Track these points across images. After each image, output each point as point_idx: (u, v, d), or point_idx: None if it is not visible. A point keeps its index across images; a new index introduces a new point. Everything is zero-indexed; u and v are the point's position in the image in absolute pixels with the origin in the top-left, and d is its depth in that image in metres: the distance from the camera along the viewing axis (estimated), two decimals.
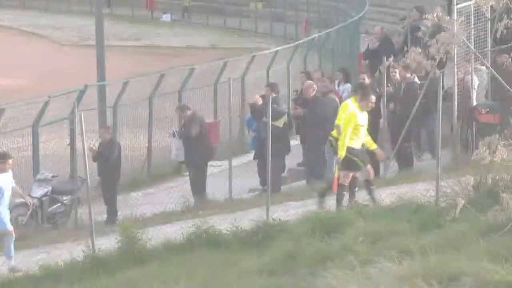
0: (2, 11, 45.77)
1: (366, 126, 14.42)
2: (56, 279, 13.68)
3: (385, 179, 16.87)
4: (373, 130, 16.92)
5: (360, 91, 14.95)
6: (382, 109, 17.67)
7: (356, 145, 14.15)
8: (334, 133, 14.19)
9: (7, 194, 14.66)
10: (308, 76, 19.78)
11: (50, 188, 17.95)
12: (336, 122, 14.19)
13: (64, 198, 18.05)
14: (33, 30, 42.69)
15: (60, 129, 19.61)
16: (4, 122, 18.31)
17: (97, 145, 17.75)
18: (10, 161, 14.96)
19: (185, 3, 43.35)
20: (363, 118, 14.10)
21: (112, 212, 17.82)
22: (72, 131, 17.77)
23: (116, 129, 20.06)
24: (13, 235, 14.65)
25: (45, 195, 17.82)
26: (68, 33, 41.52)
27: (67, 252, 14.58)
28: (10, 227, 14.72)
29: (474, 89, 17.49)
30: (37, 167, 18.71)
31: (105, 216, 17.64)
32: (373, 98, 14.68)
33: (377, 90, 17.67)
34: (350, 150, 14.05)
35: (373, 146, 15.04)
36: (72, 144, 18.16)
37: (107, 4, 37.69)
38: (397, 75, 17.66)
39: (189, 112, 18.27)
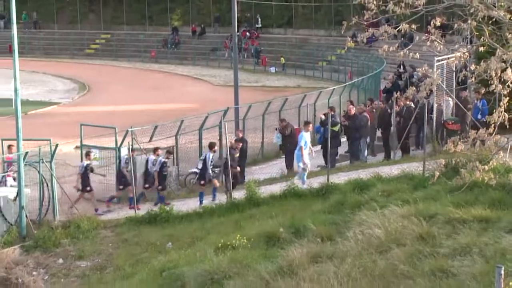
0: (183, 67, 59.77)
1: None
2: (210, 214, 18.46)
3: (394, 161, 21.25)
4: (387, 133, 22.40)
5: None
6: (392, 121, 22.56)
7: None
8: None
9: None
10: (351, 103, 25.29)
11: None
12: None
13: (216, 169, 21.61)
14: (198, 76, 54.92)
15: (214, 131, 24.56)
16: (183, 128, 23.39)
17: (233, 140, 21.84)
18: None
19: (282, 61, 56.14)
20: None
21: (241, 177, 21.58)
22: (221, 133, 23.23)
23: (244, 132, 24.78)
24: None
25: (213, 170, 21.00)
26: (218, 78, 52.89)
27: (217, 199, 19.73)
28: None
29: (444, 110, 21.62)
30: (201, 152, 23.31)
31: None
32: None
33: (389, 110, 22.74)
34: None
35: None
36: (220, 140, 23.22)
37: (240, 62, 46.83)
38: (401, 103, 22.12)
39: (285, 122, 23.46)
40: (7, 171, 20.44)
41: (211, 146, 20.76)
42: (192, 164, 23.27)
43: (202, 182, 20.42)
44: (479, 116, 20.26)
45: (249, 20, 62.68)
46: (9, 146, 21.02)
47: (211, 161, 20.37)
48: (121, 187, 20.74)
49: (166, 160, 20.94)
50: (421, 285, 10.20)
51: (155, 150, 21.11)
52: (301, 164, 19.31)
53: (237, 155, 20.80)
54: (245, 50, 59.65)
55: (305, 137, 19.57)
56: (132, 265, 16.19)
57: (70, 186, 20.69)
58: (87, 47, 67.96)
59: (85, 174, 20.40)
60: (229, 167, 19.49)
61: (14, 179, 19.77)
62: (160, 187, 20.58)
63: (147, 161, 20.92)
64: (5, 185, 20.21)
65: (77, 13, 70.47)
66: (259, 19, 62.21)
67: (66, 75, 54.91)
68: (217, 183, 20.43)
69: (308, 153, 19.69)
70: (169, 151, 21.52)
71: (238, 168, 20.83)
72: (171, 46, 64.90)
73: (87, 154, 20.89)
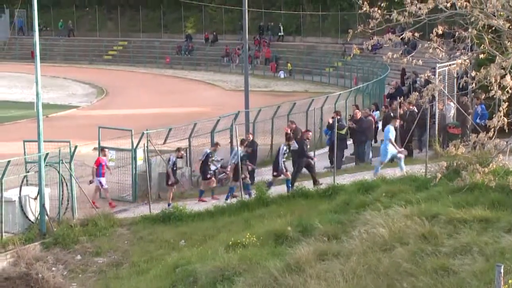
0: (196, 72, 59.91)
1: None
2: (222, 213, 18.48)
3: (397, 163, 19.70)
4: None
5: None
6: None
7: None
8: None
9: None
10: (357, 107, 25.18)
11: (219, 165, 22.29)
12: None
13: (227, 170, 21.68)
14: (211, 82, 54.80)
15: (225, 134, 24.54)
16: (196, 130, 23.43)
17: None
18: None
19: (289, 67, 56.59)
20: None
21: (251, 178, 21.47)
22: (232, 135, 23.63)
23: (255, 134, 24.64)
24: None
25: (217, 168, 22.00)
26: (229, 83, 53.00)
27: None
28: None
29: (448, 115, 21.63)
30: (214, 154, 21.75)
31: (247, 179, 20.77)
32: None
33: (393, 115, 22.31)
34: None
35: None
36: (231, 142, 23.72)
37: (251, 68, 47.76)
38: (405, 107, 22.26)
39: (294, 125, 23.05)
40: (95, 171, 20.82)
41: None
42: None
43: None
44: (477, 120, 20.15)
45: (273, 29, 62.69)
46: (102, 149, 21.25)
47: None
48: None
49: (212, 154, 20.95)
50: (424, 283, 10.15)
51: (216, 144, 21.31)
52: (388, 157, 19.07)
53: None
54: (256, 58, 59.71)
55: (392, 131, 19.34)
56: (147, 262, 16.23)
57: (89, 186, 20.73)
58: (105, 53, 68.16)
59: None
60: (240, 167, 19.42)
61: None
62: (243, 176, 20.06)
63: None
64: (101, 186, 20.70)
65: (96, 21, 70.78)
66: (281, 28, 62.18)
67: (85, 80, 55.11)
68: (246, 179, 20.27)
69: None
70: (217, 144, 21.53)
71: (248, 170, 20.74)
72: (185, 52, 65.04)
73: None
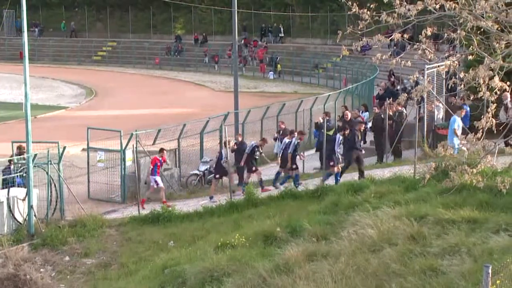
0: (185, 73, 59.69)
1: None
2: (211, 214, 18.39)
3: (386, 164, 21.40)
4: (380, 137, 22.31)
5: None
6: (385, 126, 22.05)
7: None
8: None
9: None
10: (346, 108, 25.34)
11: (208, 166, 22.61)
12: None
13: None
14: (200, 83, 54.84)
15: (214, 135, 24.89)
16: (185, 131, 23.41)
17: (232, 143, 21.62)
18: None
19: (278, 68, 57.04)
20: None
21: (241, 179, 21.44)
22: (221, 136, 23.27)
23: (244, 135, 24.89)
24: None
25: (206, 169, 22.63)
26: (219, 84, 52.94)
27: (217, 199, 19.46)
28: None
29: (436, 116, 21.56)
30: (202, 155, 23.94)
31: (237, 181, 21.43)
32: None
33: (382, 116, 22.39)
34: None
35: None
36: (220, 142, 23.17)
37: (240, 69, 48.54)
38: (394, 108, 21.95)
39: (283, 125, 23.61)
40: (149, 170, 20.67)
41: (291, 132, 20.65)
42: (193, 166, 23.31)
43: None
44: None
45: (274, 31, 62.64)
46: (161, 150, 21.09)
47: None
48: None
49: (259, 144, 21.05)
50: (412, 283, 10.15)
51: (291, 132, 21.12)
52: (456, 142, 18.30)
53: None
54: (253, 59, 59.70)
55: (458, 121, 18.92)
56: (136, 263, 16.21)
57: (77, 187, 20.63)
58: (94, 54, 67.91)
59: None
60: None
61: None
62: (294, 166, 20.18)
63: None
64: (157, 184, 20.56)
65: (85, 21, 70.54)
66: (282, 29, 62.10)
67: (74, 81, 54.94)
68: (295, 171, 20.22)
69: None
70: (301, 132, 21.32)
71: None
72: (174, 53, 64.96)
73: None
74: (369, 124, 24.44)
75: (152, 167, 20.63)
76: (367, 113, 26.23)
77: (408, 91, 22.67)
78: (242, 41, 60.63)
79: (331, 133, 21.82)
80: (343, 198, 15.87)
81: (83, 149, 23.84)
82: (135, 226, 18.38)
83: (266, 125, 27.12)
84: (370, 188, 16.02)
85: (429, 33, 9.61)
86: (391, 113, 21.91)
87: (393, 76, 37.92)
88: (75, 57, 67.29)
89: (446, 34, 9.90)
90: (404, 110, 22.06)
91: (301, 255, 12.02)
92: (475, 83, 9.39)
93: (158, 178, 20.64)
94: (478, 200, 12.88)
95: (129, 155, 21.27)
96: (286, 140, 20.33)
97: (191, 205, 19.73)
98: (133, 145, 20.70)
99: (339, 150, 19.44)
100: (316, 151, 22.98)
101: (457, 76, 10.32)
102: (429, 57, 9.75)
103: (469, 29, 9.42)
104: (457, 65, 9.77)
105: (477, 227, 11.73)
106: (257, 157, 20.94)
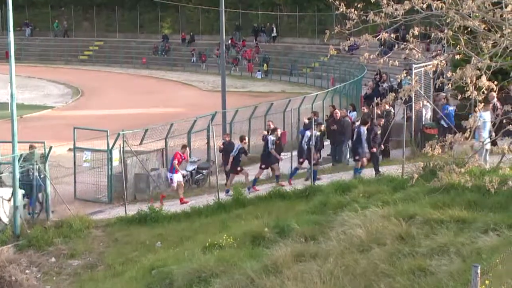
0: (173, 73, 59.59)
1: None
2: (198, 214, 18.34)
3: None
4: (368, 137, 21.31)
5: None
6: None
7: None
8: None
9: None
10: (333, 107, 24.79)
11: (196, 166, 22.78)
12: None
13: (204, 171, 22.90)
14: (188, 82, 54.76)
15: (202, 135, 24.88)
16: (172, 131, 23.44)
17: (221, 144, 21.69)
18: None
19: (264, 67, 56.95)
20: None
21: (228, 179, 20.92)
22: (208, 136, 23.52)
23: (232, 135, 24.36)
24: None
25: (193, 169, 22.63)
26: (207, 84, 52.84)
27: (204, 200, 19.45)
28: None
29: (424, 115, 21.33)
30: (190, 154, 22.51)
31: (224, 181, 20.86)
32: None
33: (371, 115, 21.53)
34: None
35: None
36: (208, 142, 23.87)
37: (228, 69, 48.71)
38: (382, 107, 21.55)
39: (273, 126, 22.44)
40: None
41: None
42: (181, 166, 22.52)
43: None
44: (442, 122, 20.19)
45: (267, 31, 62.32)
46: (184, 146, 21.11)
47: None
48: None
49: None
50: (401, 284, 10.14)
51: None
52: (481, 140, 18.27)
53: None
54: (247, 59, 59.36)
55: (484, 116, 17.88)
56: (122, 264, 16.11)
57: (63, 187, 20.48)
58: (81, 53, 67.65)
59: None
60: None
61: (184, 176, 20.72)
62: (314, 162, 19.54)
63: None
64: (172, 183, 20.40)
65: (72, 21, 70.28)
66: (274, 29, 61.84)
67: (60, 80, 54.69)
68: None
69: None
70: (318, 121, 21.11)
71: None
72: (161, 53, 64.83)
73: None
74: (357, 124, 23.35)
75: (175, 161, 20.41)
76: (355, 112, 26.04)
77: (395, 90, 22.67)
78: (230, 41, 60.57)
79: (318, 132, 21.30)
80: (331, 198, 15.86)
81: (70, 149, 23.72)
82: (122, 226, 18.27)
83: (254, 125, 27.07)
84: (359, 188, 16.00)
85: (416, 32, 9.60)
86: (379, 112, 21.79)
87: (379, 75, 37.90)
88: (61, 56, 67.02)
89: (433, 33, 9.89)
90: (392, 110, 21.98)
91: (289, 256, 12.00)
92: (462, 83, 9.35)
93: (175, 176, 20.36)
94: (467, 200, 12.86)
95: (116, 155, 21.15)
96: (308, 133, 19.90)
97: (178, 205, 19.69)
98: (120, 145, 20.59)
99: (365, 145, 19.36)
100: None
101: (444, 76, 10.29)
102: (417, 56, 9.75)
103: (456, 29, 9.40)
104: (445, 65, 9.75)
105: (466, 227, 11.72)
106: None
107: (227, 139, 22.09)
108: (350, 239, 12.05)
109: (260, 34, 62.53)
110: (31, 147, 19.23)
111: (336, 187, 16.84)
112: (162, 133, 23.46)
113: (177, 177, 20.43)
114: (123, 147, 20.41)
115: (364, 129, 19.54)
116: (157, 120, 29.86)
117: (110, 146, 21.25)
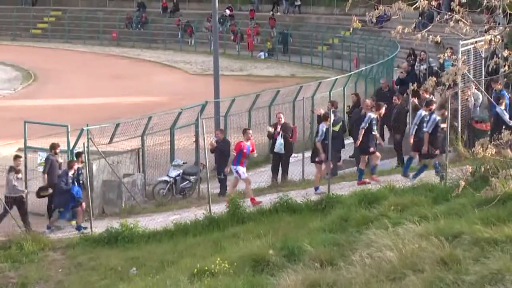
0: (151, 51, 59.89)
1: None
2: (184, 232, 18.37)
3: (410, 168, 20.14)
4: (401, 134, 22.52)
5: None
6: (408, 120, 22.47)
7: None
8: None
9: None
10: (357, 96, 24.78)
11: (181, 170, 22.92)
12: None
13: (191, 177, 22.95)
14: (171, 64, 54.99)
15: (189, 131, 24.80)
16: (151, 126, 23.39)
17: (214, 142, 21.89)
18: None
19: (268, 46, 57.05)
20: None
21: (223, 187, 21.94)
22: (197, 133, 23.17)
23: (227, 131, 24.88)
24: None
25: (178, 175, 22.76)
26: (195, 66, 53.25)
27: (192, 214, 19.40)
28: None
29: (473, 107, 21.33)
30: (173, 156, 23.91)
31: (218, 190, 21.81)
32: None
33: (406, 107, 22.57)
34: None
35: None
36: (197, 141, 23.51)
37: (221, 46, 46.16)
38: (422, 96, 21.25)
39: (283, 120, 22.71)
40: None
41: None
42: (162, 171, 23.21)
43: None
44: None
45: None
46: (246, 131, 21.26)
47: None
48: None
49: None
50: None
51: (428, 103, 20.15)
52: None
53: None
54: (257, 35, 58.99)
55: None
56: None
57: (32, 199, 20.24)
58: (33, 26, 67.81)
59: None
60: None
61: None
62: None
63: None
64: (240, 176, 20.49)
65: None
66: None
67: (7, 61, 54.79)
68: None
69: None
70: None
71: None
72: (136, 26, 64.97)
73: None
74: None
75: (236, 153, 20.62)
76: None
77: (436, 73, 22.95)
78: (227, 11, 60.58)
79: (337, 128, 21.64)
80: (354, 211, 15.92)
81: (19, 149, 23.76)
82: (87, 248, 18.29)
83: (255, 118, 27.02)
84: (389, 199, 16.08)
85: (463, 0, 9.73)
86: (416, 103, 21.81)
87: (412, 55, 37.79)
88: (8, 30, 67.19)
89: (485, 0, 9.95)
90: (433, 98, 21.53)
91: (300, 285, 12.01)
92: None
93: (241, 169, 20.50)
94: None
95: (42, 157, 21.10)
96: (423, 112, 19.65)
97: (159, 221, 19.78)
98: (83, 144, 20.48)
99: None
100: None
101: (499, 55, 10.41)
102: (464, 30, 9.81)
103: None
104: (500, 41, 10.08)
105: None
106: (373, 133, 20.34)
107: (221, 136, 21.95)
108: (378, 264, 12.06)
109: (281, 2, 61.86)
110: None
111: (360, 197, 16.88)
112: (137, 129, 23.43)
113: (243, 170, 20.57)
114: (87, 147, 20.34)
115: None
116: (131, 113, 30.30)
117: (72, 145, 21.15)
